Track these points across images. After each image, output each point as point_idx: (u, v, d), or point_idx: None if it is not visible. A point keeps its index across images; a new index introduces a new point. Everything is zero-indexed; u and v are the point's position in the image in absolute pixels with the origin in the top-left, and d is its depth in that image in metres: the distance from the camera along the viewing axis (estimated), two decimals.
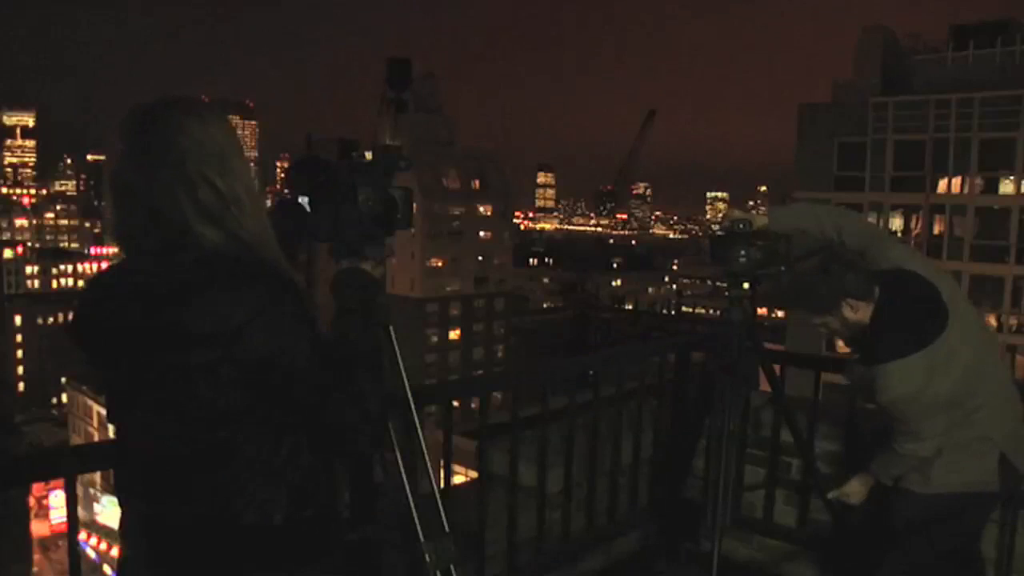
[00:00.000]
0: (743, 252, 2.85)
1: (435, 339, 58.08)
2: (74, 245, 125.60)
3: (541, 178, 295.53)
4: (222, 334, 1.33)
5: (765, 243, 2.87)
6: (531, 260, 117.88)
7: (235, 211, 1.43)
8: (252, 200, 1.47)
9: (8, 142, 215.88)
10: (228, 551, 1.42)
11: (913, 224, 30.25)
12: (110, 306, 1.42)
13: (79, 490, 2.18)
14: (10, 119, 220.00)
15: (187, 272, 1.38)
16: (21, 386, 69.99)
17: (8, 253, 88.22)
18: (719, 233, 2.93)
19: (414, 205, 1.94)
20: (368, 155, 1.91)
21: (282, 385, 1.39)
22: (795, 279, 2.75)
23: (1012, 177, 29.17)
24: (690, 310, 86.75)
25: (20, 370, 70.70)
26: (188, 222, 1.40)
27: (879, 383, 2.52)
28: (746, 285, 2.95)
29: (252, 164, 1.53)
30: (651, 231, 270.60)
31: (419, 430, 2.06)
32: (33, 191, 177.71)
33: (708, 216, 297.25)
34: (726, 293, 2.98)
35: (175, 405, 1.38)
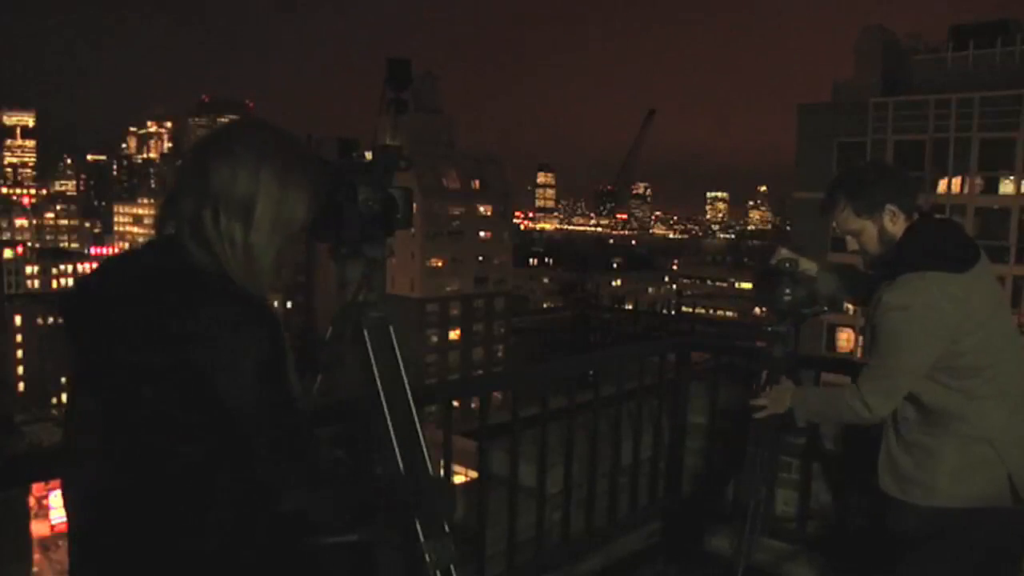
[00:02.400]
0: (788, 291, 2.83)
1: (435, 339, 58.10)
2: (74, 245, 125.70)
3: (541, 178, 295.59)
4: (180, 341, 1.33)
5: (809, 282, 2.84)
6: (531, 260, 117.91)
7: (228, 250, 1.42)
8: (249, 254, 1.44)
9: (8, 142, 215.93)
10: (161, 573, 1.39)
11: None
12: (96, 293, 1.45)
13: None
14: (10, 119, 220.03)
15: (169, 276, 1.39)
16: (21, 386, 69.94)
17: (8, 253, 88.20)
18: (764, 268, 2.91)
19: (414, 205, 1.94)
20: (368, 155, 1.92)
21: (225, 412, 1.36)
22: (854, 169, 2.60)
23: (1012, 177, 29.19)
24: (690, 310, 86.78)
25: (20, 370, 70.67)
26: (182, 227, 1.42)
27: (884, 297, 2.35)
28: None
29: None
30: (651, 231, 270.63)
31: (419, 430, 2.06)
32: (33, 191, 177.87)
33: (708, 216, 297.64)
34: (768, 328, 2.96)
35: (118, 403, 1.38)
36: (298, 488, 1.46)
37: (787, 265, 2.83)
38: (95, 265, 1.57)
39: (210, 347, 1.33)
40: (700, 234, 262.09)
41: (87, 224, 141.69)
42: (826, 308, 2.88)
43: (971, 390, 2.38)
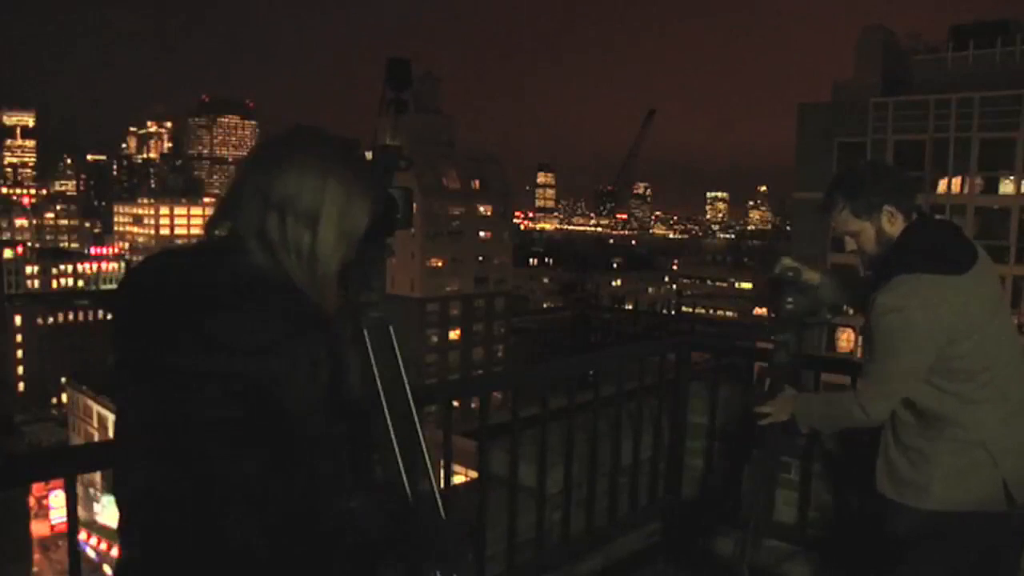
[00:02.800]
0: (790, 299, 2.83)
1: (435, 339, 58.11)
2: (74, 245, 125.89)
3: (541, 178, 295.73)
4: (240, 346, 1.31)
5: (812, 291, 2.84)
6: (531, 260, 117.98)
7: (294, 258, 1.41)
8: (314, 262, 1.43)
9: (8, 142, 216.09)
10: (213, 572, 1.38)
11: None
12: (152, 293, 1.40)
13: (79, 490, 2.17)
14: (10, 119, 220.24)
15: (230, 279, 1.37)
16: (21, 386, 69.99)
17: (8, 253, 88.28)
18: (771, 276, 2.90)
19: (414, 205, 1.93)
20: (368, 155, 1.91)
21: (282, 419, 1.35)
22: (852, 170, 2.58)
23: (1012, 177, 29.20)
24: (690, 310, 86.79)
25: (20, 370, 70.69)
26: (246, 232, 1.40)
27: (879, 299, 2.34)
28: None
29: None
30: (651, 231, 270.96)
31: (419, 430, 2.06)
32: (33, 191, 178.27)
33: (708, 216, 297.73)
34: (772, 337, 2.96)
35: (172, 405, 1.35)
36: (350, 495, 1.46)
37: (789, 274, 2.83)
38: (140, 259, 1.51)
39: (272, 353, 1.31)
40: (700, 234, 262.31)
41: (87, 224, 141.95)
42: (830, 316, 2.87)
43: (966, 394, 2.37)
